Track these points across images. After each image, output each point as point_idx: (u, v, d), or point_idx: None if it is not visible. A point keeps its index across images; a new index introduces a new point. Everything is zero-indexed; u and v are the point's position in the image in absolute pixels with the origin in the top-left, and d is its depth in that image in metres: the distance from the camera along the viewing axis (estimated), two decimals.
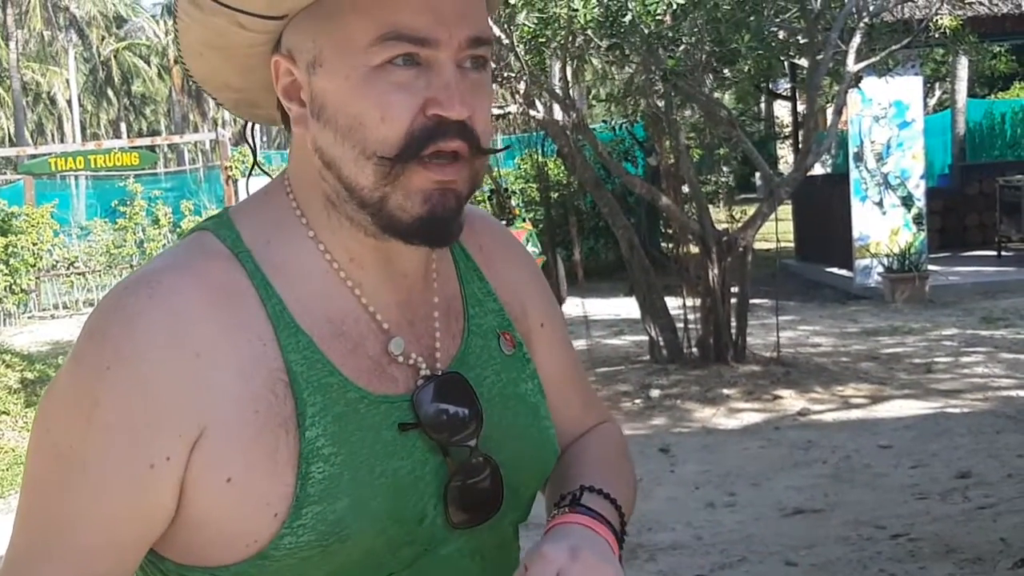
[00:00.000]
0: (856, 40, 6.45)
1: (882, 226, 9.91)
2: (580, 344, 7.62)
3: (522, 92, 6.75)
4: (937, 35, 7.60)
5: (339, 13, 0.83)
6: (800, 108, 11.16)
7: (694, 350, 6.93)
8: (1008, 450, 4.89)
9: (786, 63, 8.86)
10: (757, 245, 7.53)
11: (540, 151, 11.90)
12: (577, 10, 5.62)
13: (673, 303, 7.09)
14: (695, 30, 5.99)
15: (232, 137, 12.88)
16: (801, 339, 7.98)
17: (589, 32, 5.95)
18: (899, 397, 6.03)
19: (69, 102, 34.66)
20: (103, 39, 35.73)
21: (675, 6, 5.58)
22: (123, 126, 39.44)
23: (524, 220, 10.89)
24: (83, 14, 31.64)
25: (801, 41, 6.54)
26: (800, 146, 7.50)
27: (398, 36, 0.81)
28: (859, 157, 9.94)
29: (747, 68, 6.28)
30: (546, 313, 1.05)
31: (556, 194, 12.66)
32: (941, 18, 7.62)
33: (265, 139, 25.25)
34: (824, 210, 11.13)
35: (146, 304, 0.82)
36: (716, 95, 7.08)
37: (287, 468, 0.82)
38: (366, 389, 0.87)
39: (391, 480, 0.86)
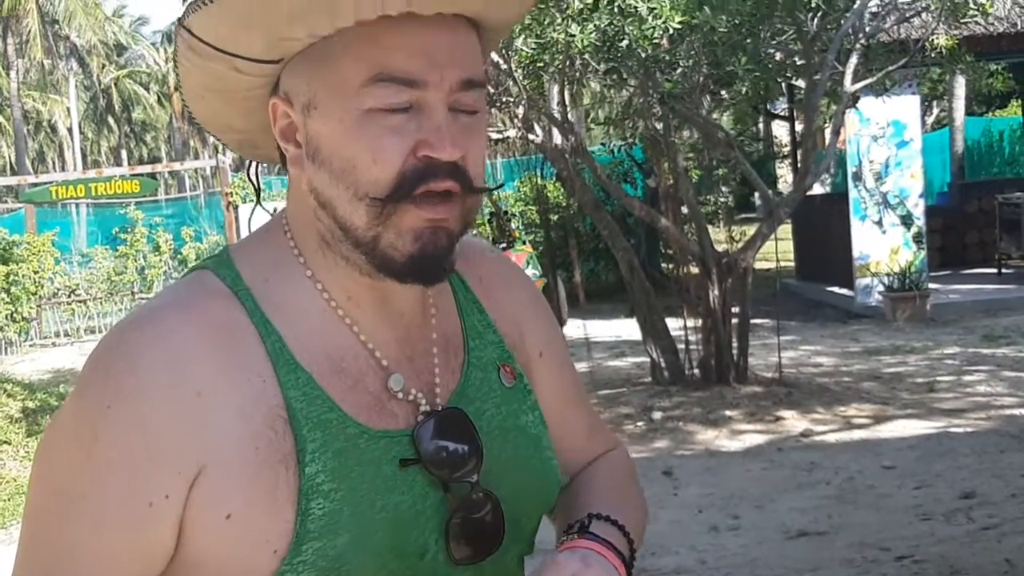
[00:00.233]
0: (853, 61, 6.48)
1: (882, 245, 9.92)
2: (582, 366, 7.62)
3: (520, 116, 6.78)
4: (934, 55, 7.64)
5: (332, 56, 0.84)
6: (798, 128, 11.20)
7: (696, 371, 6.92)
8: (1012, 470, 4.87)
9: (783, 84, 8.90)
10: (757, 264, 7.54)
11: (539, 174, 11.94)
12: (575, 35, 5.66)
13: (674, 324, 7.09)
14: (692, 53, 6.03)
15: (232, 163, 12.92)
16: (803, 359, 7.97)
17: (587, 56, 5.99)
18: (902, 417, 6.01)
19: (70, 130, 34.82)
20: (103, 67, 35.94)
21: (671, 30, 5.61)
22: (124, 153, 39.60)
23: (524, 242, 10.92)
24: (83, 43, 31.83)
25: (798, 62, 6.57)
26: (799, 166, 7.52)
27: (388, 77, 0.82)
28: (858, 176, 9.97)
29: (744, 90, 6.31)
30: (545, 342, 1.05)
31: (556, 216, 12.69)
32: (937, 38, 7.66)
33: (266, 165, 25.32)
34: (824, 229, 11.14)
35: (148, 343, 0.83)
36: (714, 116, 7.11)
37: (287, 504, 0.83)
38: (366, 425, 0.87)
39: (392, 515, 0.86)
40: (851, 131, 9.75)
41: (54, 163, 38.93)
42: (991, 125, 17.90)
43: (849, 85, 6.47)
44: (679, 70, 6.23)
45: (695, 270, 6.96)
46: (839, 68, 6.43)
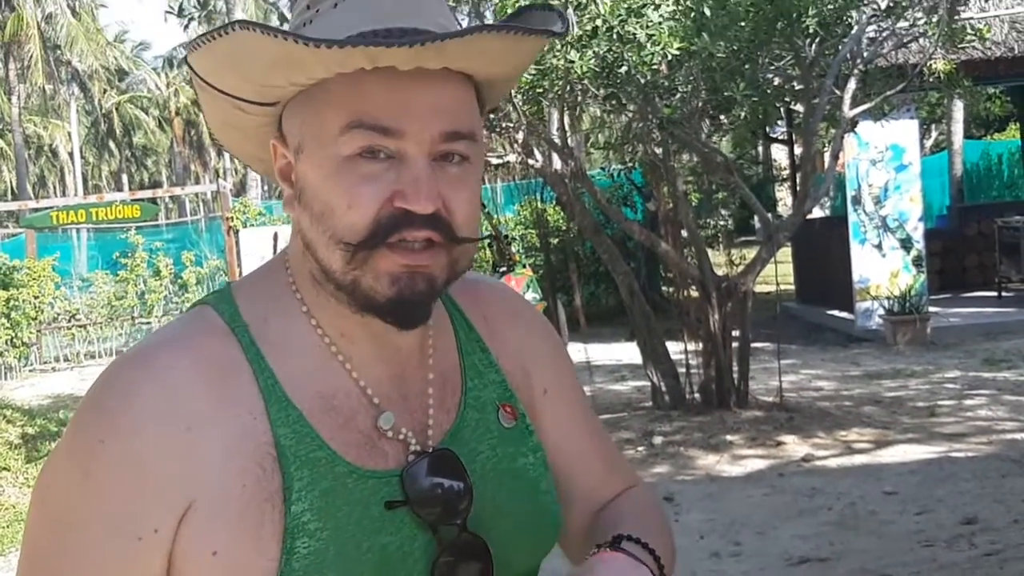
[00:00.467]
0: (851, 86, 6.52)
1: (882, 268, 9.93)
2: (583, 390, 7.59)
3: (520, 141, 6.81)
4: (932, 79, 7.68)
5: (317, 103, 0.85)
6: (797, 151, 11.24)
7: (696, 395, 6.90)
8: (1013, 495, 4.86)
9: (782, 108, 8.94)
10: (757, 288, 7.54)
11: (539, 198, 11.98)
12: (574, 61, 5.70)
13: (675, 348, 7.08)
14: (690, 79, 6.06)
15: (233, 188, 12.95)
16: (803, 383, 7.96)
17: (586, 82, 6.02)
18: (903, 442, 5.99)
19: (71, 154, 34.95)
20: (105, 92, 36.12)
21: (670, 56, 5.64)
22: (125, 177, 39.73)
23: (524, 266, 10.93)
24: (85, 68, 32.00)
25: (796, 87, 6.61)
26: (798, 190, 7.55)
27: (362, 124, 0.83)
28: (857, 200, 9.99)
29: (743, 115, 6.34)
30: (552, 379, 1.04)
31: (556, 240, 12.71)
32: (935, 63, 7.70)
33: (266, 188, 25.42)
34: (824, 253, 11.16)
35: (142, 379, 0.85)
36: (713, 140, 7.14)
37: (272, 542, 0.83)
38: (355, 464, 0.87)
39: (378, 556, 0.86)
40: (850, 155, 9.79)
41: (55, 187, 39.05)
42: (990, 148, 17.97)
43: (848, 110, 6.50)
44: (678, 95, 6.26)
45: (695, 294, 6.96)
46: (837, 93, 6.47)
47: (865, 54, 6.72)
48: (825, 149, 9.13)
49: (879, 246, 9.97)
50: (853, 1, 6.05)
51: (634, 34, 5.61)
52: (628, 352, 9.20)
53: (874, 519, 4.71)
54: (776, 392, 7.01)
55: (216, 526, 0.83)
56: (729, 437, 6.20)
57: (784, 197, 18.71)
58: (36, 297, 12.80)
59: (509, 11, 6.13)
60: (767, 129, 12.05)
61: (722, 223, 11.88)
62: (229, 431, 0.84)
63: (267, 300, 0.92)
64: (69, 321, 13.61)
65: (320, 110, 0.85)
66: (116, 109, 37.33)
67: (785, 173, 15.99)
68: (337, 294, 0.88)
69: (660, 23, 5.58)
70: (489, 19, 7.10)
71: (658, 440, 6.30)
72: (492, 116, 6.50)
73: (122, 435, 0.83)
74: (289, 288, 0.92)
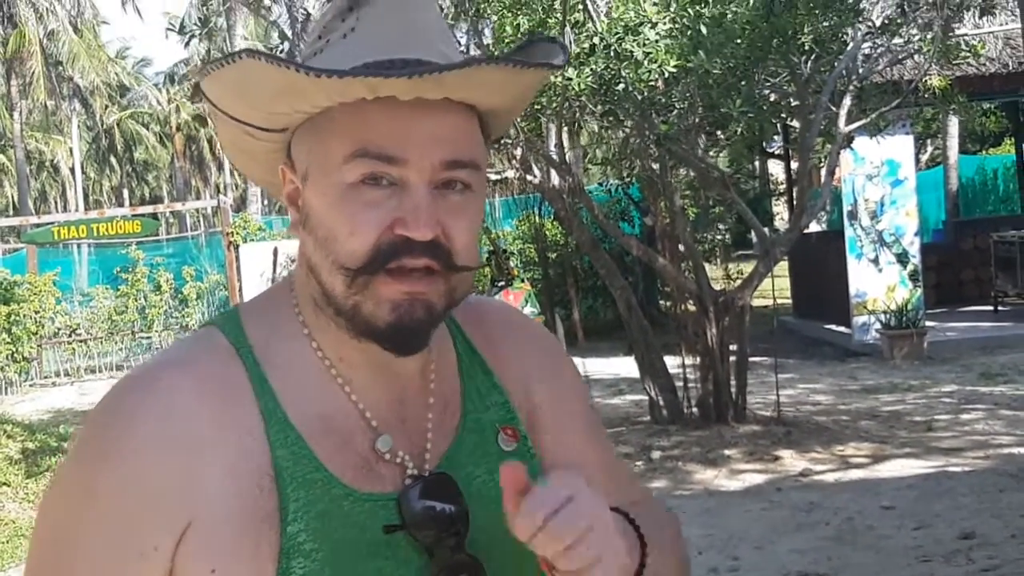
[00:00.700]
0: (847, 102, 6.57)
1: (878, 283, 9.96)
2: None
3: (519, 157, 6.86)
4: (927, 95, 7.73)
5: (322, 131, 0.88)
6: (794, 166, 11.29)
7: (694, 410, 6.92)
8: (1011, 510, 4.87)
9: (778, 123, 8.99)
10: (754, 302, 7.57)
11: (537, 212, 12.02)
12: (571, 79, 5.74)
13: (672, 362, 7.10)
14: (687, 95, 6.11)
15: (233, 203, 13.00)
16: (801, 397, 7.98)
17: (584, 99, 6.07)
18: (900, 456, 6.01)
19: (72, 170, 35.00)
20: (106, 108, 36.21)
21: (667, 73, 5.69)
22: (125, 192, 39.80)
23: (523, 280, 10.96)
24: (87, 84, 32.07)
25: (792, 103, 6.65)
26: (794, 205, 7.59)
27: (366, 153, 0.85)
28: (853, 215, 10.03)
29: (739, 130, 6.39)
30: (548, 393, 1.03)
31: (554, 254, 12.74)
32: (930, 79, 7.76)
33: (266, 203, 25.47)
34: (820, 267, 11.19)
35: (145, 400, 0.87)
36: (710, 156, 7.18)
37: (268, 563, 0.85)
38: (352, 486, 0.89)
39: None
40: (846, 170, 9.84)
41: (56, 203, 39.10)
42: (985, 163, 18.03)
43: (843, 125, 6.55)
44: (675, 112, 6.30)
45: (693, 308, 6.98)
46: (833, 109, 6.51)
47: (860, 71, 6.77)
48: (821, 164, 9.20)
49: (875, 260, 10.00)
50: (848, 18, 6.10)
51: (631, 52, 5.66)
52: (626, 366, 9.22)
53: (872, 534, 4.73)
54: (774, 406, 7.03)
55: (214, 545, 0.84)
56: (727, 452, 6.22)
57: (781, 211, 18.75)
58: (37, 312, 12.82)
59: (508, 29, 6.19)
60: (764, 144, 12.11)
61: (719, 238, 11.93)
62: (229, 452, 0.86)
63: (271, 322, 0.94)
64: (70, 336, 13.63)
65: (325, 138, 0.87)
66: (117, 125, 37.40)
67: (782, 188, 16.04)
68: (337, 319, 0.89)
69: (657, 41, 5.63)
70: (488, 36, 7.16)
71: (656, 455, 6.32)
72: None
73: (124, 454, 0.85)
74: (292, 311, 0.94)
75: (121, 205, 35.88)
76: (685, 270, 7.30)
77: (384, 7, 0.88)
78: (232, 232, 12.44)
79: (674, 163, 6.92)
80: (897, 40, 6.86)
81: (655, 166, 6.86)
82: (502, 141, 6.72)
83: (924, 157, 19.80)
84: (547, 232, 12.61)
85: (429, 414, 0.95)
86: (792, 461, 6.02)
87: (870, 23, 6.58)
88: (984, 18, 10.31)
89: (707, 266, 7.52)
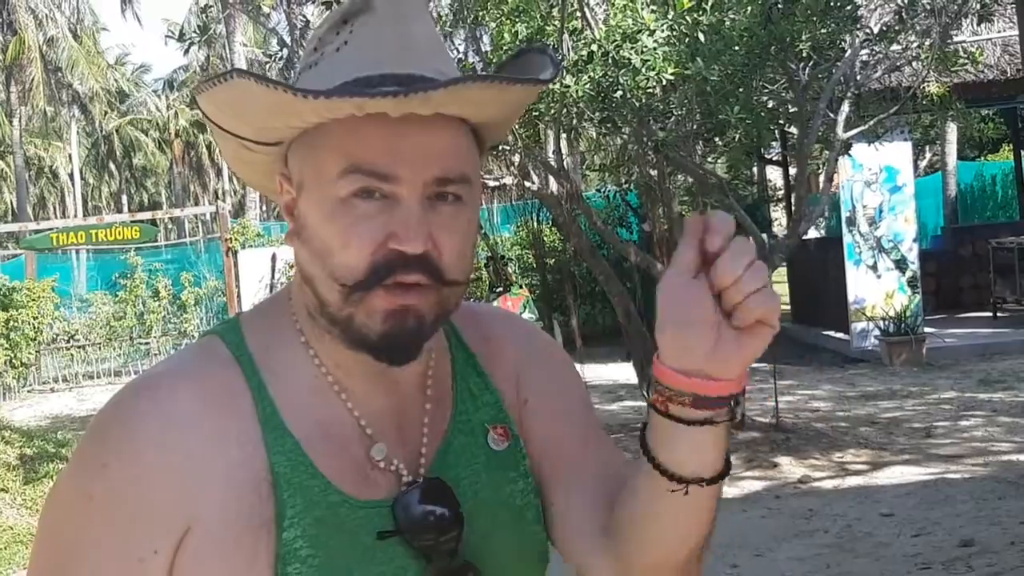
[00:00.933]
0: (845, 109, 6.57)
1: (877, 289, 9.96)
2: None
3: (517, 164, 6.87)
4: (925, 102, 7.75)
5: (316, 145, 0.89)
6: (792, 172, 11.30)
7: None
8: (1010, 517, 4.86)
9: (776, 130, 9.01)
10: None
11: (536, 218, 12.03)
12: (570, 86, 5.75)
13: None
14: (685, 102, 6.12)
15: (232, 209, 13.01)
16: (800, 404, 7.97)
17: (582, 106, 6.07)
18: (899, 463, 6.01)
19: (71, 176, 35.03)
20: (105, 114, 36.21)
21: (665, 81, 5.70)
22: (124, 198, 39.80)
23: (521, 287, 10.97)
24: (86, 90, 32.10)
25: (790, 110, 6.66)
26: (793, 212, 7.59)
27: (358, 170, 0.86)
28: (852, 221, 10.04)
29: (737, 137, 6.40)
30: (537, 388, 1.03)
31: (552, 260, 12.74)
32: (928, 86, 7.77)
33: (264, 209, 25.48)
34: (819, 274, 11.20)
35: (144, 408, 0.88)
36: (708, 162, 7.20)
37: (265, 568, 0.86)
38: (348, 493, 0.89)
39: None
40: (844, 177, 9.85)
41: (55, 209, 39.09)
42: (983, 169, 18.05)
43: (841, 132, 6.55)
44: (672, 118, 6.31)
45: None
46: (831, 116, 6.52)
47: (858, 77, 6.78)
48: (820, 171, 9.20)
49: (874, 267, 10.01)
50: (846, 25, 6.12)
51: (629, 59, 5.67)
52: (624, 372, 9.23)
53: (871, 541, 4.72)
54: (772, 413, 7.03)
55: (212, 551, 0.86)
56: None
57: (779, 218, 18.77)
58: (35, 318, 12.82)
59: (506, 36, 6.20)
60: (762, 151, 12.13)
61: None
62: (227, 459, 0.87)
63: (270, 330, 0.95)
64: (68, 342, 13.63)
65: (319, 153, 0.88)
66: (116, 131, 37.42)
67: (780, 194, 16.05)
68: (331, 328, 0.90)
69: (655, 48, 5.64)
70: (486, 44, 7.17)
71: None
72: None
73: (124, 460, 0.86)
74: (291, 319, 0.95)
75: (120, 211, 35.84)
76: None
77: (378, 20, 0.88)
78: (231, 238, 12.45)
79: (672, 169, 6.93)
80: (895, 47, 6.87)
81: (653, 172, 6.87)
82: (500, 147, 6.74)
83: (922, 163, 19.83)
84: (545, 238, 12.62)
85: (425, 419, 0.96)
86: (791, 468, 6.01)
87: (868, 30, 6.59)
88: (982, 25, 10.33)
89: None
